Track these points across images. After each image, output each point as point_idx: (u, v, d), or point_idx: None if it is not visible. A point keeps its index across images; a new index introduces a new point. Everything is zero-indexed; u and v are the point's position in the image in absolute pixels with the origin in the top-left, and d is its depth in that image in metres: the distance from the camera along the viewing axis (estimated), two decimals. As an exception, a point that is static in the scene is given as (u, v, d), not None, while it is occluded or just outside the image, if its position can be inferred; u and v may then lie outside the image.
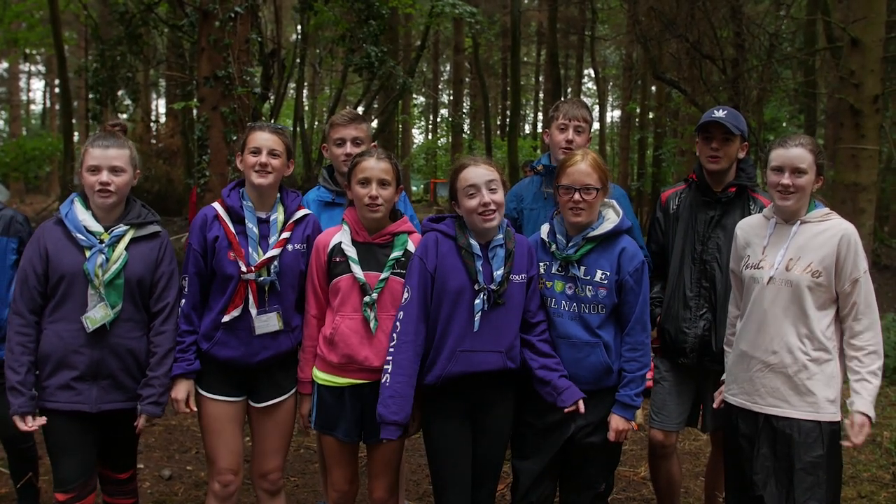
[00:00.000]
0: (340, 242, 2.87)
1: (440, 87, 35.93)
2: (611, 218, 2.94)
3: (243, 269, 2.84)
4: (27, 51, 19.01)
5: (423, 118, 39.68)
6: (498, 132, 31.01)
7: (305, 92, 18.48)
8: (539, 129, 31.75)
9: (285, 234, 2.93)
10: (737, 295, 3.05)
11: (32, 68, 36.15)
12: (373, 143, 3.41)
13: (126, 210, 2.88)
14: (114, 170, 2.79)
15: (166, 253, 2.92)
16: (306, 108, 19.49)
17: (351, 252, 2.84)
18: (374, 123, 13.92)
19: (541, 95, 32.71)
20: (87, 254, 2.74)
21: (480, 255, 2.79)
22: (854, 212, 7.11)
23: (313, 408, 2.95)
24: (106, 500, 3.06)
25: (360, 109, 11.62)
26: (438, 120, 38.16)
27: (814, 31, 13.01)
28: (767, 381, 2.79)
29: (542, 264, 2.95)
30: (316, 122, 21.20)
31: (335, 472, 2.98)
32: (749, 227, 2.99)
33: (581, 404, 2.81)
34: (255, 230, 2.91)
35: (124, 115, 12.88)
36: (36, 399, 2.76)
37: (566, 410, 2.81)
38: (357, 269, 2.82)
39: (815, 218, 2.82)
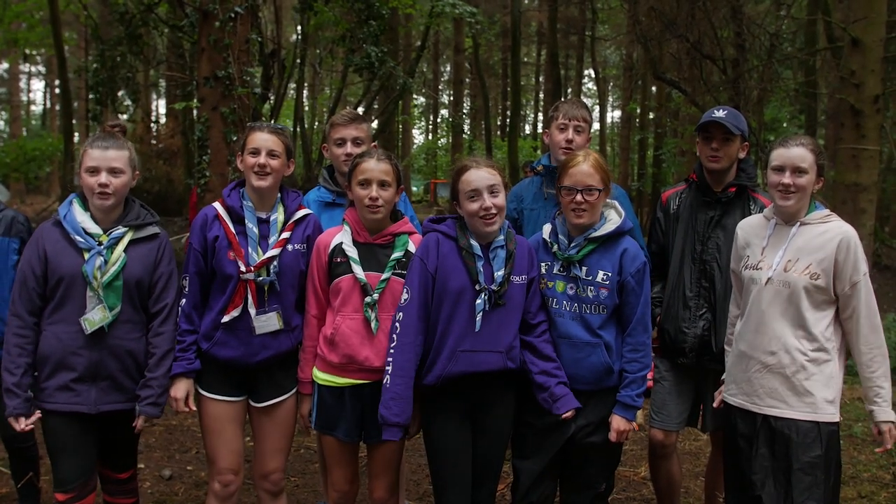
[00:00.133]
0: (341, 243, 2.87)
1: (440, 87, 35.94)
2: (613, 219, 2.94)
3: (242, 268, 2.84)
4: (27, 51, 18.98)
5: (423, 118, 39.69)
6: (498, 132, 31.02)
7: (306, 92, 18.49)
8: (539, 130, 31.73)
9: (285, 234, 2.93)
10: (737, 295, 3.05)
11: (32, 69, 36.19)
12: (373, 144, 3.41)
13: (125, 211, 2.88)
14: (113, 171, 2.78)
15: (165, 254, 2.91)
16: (306, 108, 19.50)
17: (352, 252, 2.84)
18: (375, 124, 13.92)
19: (541, 96, 32.71)
20: (86, 256, 2.74)
21: (481, 256, 2.79)
22: (855, 212, 7.11)
23: (313, 408, 2.95)
24: (106, 499, 3.06)
25: (360, 110, 11.61)
26: (439, 120, 38.17)
27: (814, 31, 13.01)
28: (766, 382, 2.79)
29: (543, 264, 2.95)
30: (316, 123, 21.19)
31: (335, 472, 2.98)
32: (749, 228, 2.99)
33: (573, 412, 2.82)
34: (255, 230, 2.91)
35: (124, 116, 12.87)
36: (31, 401, 2.76)
37: (561, 417, 2.82)
38: (358, 270, 2.82)
39: (815, 219, 2.82)
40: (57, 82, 20.41)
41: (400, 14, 14.64)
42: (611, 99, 37.34)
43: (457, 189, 2.85)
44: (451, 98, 32.77)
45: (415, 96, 32.04)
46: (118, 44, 10.32)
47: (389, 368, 2.74)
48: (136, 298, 2.83)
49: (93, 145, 2.80)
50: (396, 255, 2.87)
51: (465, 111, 32.58)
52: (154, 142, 19.55)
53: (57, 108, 27.51)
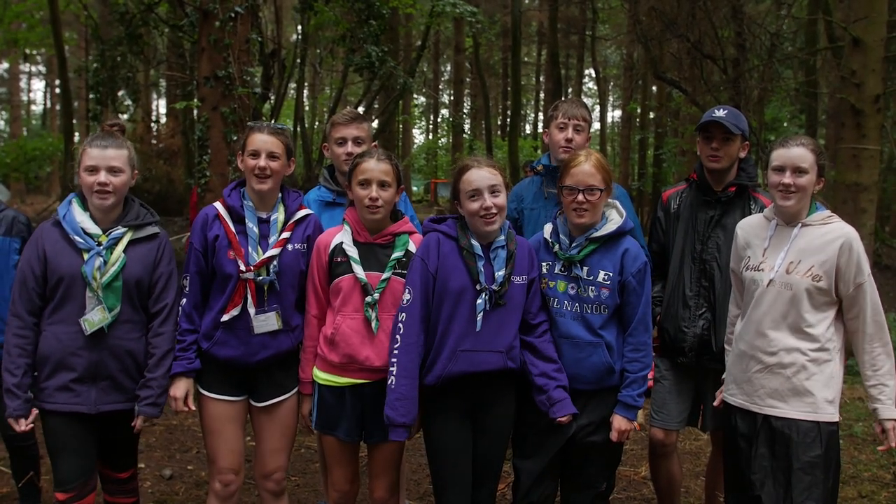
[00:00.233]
0: (342, 242, 2.87)
1: (441, 87, 35.94)
2: (614, 219, 2.94)
3: (242, 268, 2.84)
4: (27, 51, 18.99)
5: (423, 118, 39.68)
6: (498, 132, 31.01)
7: (306, 92, 18.49)
8: (540, 130, 31.73)
9: (285, 234, 2.93)
10: (737, 294, 3.05)
11: (33, 69, 36.21)
12: (373, 144, 3.41)
13: (125, 211, 2.87)
14: (112, 170, 2.77)
15: (165, 254, 2.91)
16: (307, 108, 19.51)
17: (352, 252, 2.84)
18: (375, 123, 13.92)
19: (541, 95, 32.72)
20: (85, 257, 2.73)
21: (482, 256, 2.80)
22: (855, 212, 7.10)
23: (314, 408, 2.95)
24: (107, 499, 3.06)
25: (360, 109, 11.61)
26: (439, 120, 38.15)
27: (815, 31, 12.99)
28: (766, 382, 2.78)
29: (544, 264, 2.95)
30: (316, 123, 21.20)
31: (336, 472, 2.97)
32: (749, 228, 2.98)
33: (569, 417, 2.82)
34: (256, 230, 2.90)
35: (125, 116, 12.88)
36: (31, 401, 2.76)
37: (556, 421, 2.82)
38: (359, 270, 2.82)
39: (816, 221, 2.82)
40: (57, 82, 20.42)
41: (400, 14, 14.63)
42: (611, 98, 37.36)
43: (458, 188, 2.85)
44: (452, 98, 32.78)
45: (415, 96, 32.05)
46: (118, 43, 10.32)
47: (394, 369, 2.73)
48: (136, 299, 2.83)
49: (91, 144, 2.80)
50: (397, 254, 2.87)
51: (465, 111, 32.59)
52: (154, 141, 19.55)
53: (57, 107, 27.52)
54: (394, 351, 2.75)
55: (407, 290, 2.79)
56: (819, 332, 2.74)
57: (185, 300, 2.91)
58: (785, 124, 16.02)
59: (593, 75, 31.87)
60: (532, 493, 2.93)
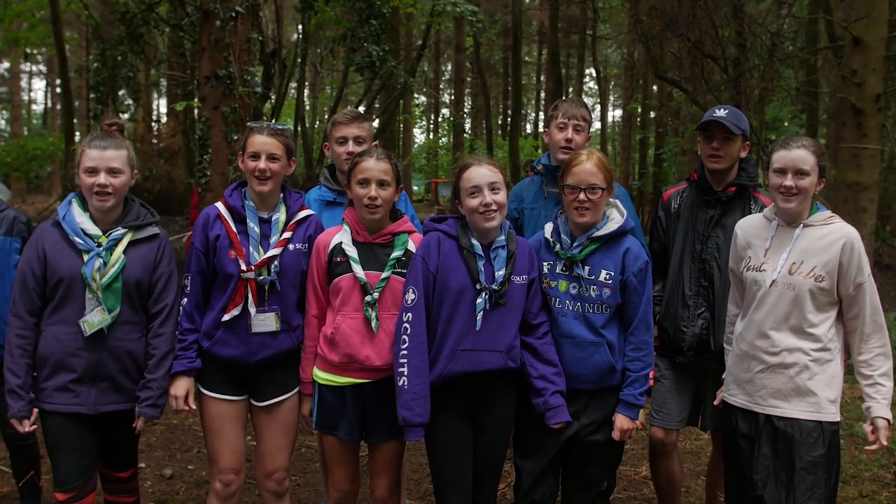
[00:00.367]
0: (341, 242, 2.87)
1: (441, 86, 35.91)
2: (615, 218, 2.94)
3: (243, 267, 2.84)
4: (28, 50, 19.01)
5: (424, 118, 39.68)
6: (499, 132, 31.01)
7: (307, 91, 18.47)
8: (540, 129, 31.70)
9: (286, 234, 2.93)
10: (736, 294, 3.04)
11: (34, 68, 36.21)
12: (374, 143, 3.41)
13: (125, 211, 2.87)
14: (112, 171, 2.76)
15: (164, 254, 2.91)
16: (307, 107, 19.48)
17: (352, 252, 2.84)
18: (376, 123, 13.91)
19: (542, 95, 32.74)
20: (85, 258, 2.73)
21: (482, 256, 2.80)
22: (856, 211, 7.10)
23: (314, 407, 2.95)
24: (107, 498, 3.06)
25: (361, 109, 11.62)
26: (440, 119, 38.14)
27: (815, 30, 12.99)
28: (769, 382, 2.78)
29: (545, 264, 2.95)
30: (317, 122, 21.18)
31: (336, 472, 2.97)
32: (749, 228, 2.98)
33: (563, 425, 2.83)
34: (257, 230, 2.90)
35: (126, 115, 12.88)
36: (33, 402, 2.76)
37: (550, 426, 2.82)
38: (358, 269, 2.82)
39: (817, 221, 2.81)
40: (58, 81, 20.41)
41: (401, 13, 14.62)
42: (612, 98, 37.35)
43: (458, 186, 2.86)
44: (452, 97, 32.77)
45: (416, 95, 32.03)
46: (119, 43, 10.32)
47: (405, 369, 2.72)
48: (136, 299, 2.82)
49: (90, 145, 2.78)
50: (396, 254, 2.87)
51: (466, 110, 32.55)
52: (155, 141, 19.55)
53: (58, 107, 27.51)
54: (402, 351, 2.74)
55: (410, 290, 2.78)
56: (821, 332, 2.74)
57: (186, 300, 2.91)
58: (786, 124, 16.02)
59: (594, 75, 31.87)
60: (533, 493, 2.93)
